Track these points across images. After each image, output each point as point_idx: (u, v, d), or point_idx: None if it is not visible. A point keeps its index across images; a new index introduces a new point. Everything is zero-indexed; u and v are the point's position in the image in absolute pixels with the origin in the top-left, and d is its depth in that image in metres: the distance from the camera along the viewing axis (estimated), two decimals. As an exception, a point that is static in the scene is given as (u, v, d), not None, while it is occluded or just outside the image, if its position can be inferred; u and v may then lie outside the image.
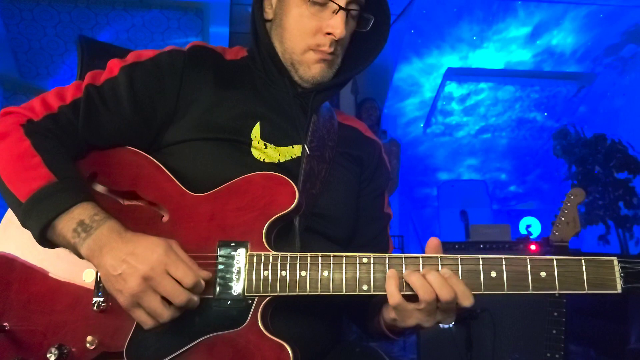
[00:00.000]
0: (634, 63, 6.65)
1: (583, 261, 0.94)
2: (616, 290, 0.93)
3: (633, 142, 5.67)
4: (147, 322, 0.93)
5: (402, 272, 0.96)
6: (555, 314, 2.18)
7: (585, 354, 3.50)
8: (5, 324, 1.01)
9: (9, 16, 5.28)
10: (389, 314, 1.04)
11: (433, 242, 1.00)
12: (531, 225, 6.30)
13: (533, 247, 3.25)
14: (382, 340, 1.17)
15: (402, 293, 0.95)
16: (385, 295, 0.97)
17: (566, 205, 2.24)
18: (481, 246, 3.35)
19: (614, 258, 0.94)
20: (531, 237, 5.78)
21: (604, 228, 5.73)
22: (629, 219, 5.59)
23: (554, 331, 2.17)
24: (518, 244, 3.39)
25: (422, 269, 0.96)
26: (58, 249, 1.00)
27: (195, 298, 0.94)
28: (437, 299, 0.93)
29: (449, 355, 3.00)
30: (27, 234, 0.99)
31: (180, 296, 0.91)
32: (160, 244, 0.94)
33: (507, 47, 6.42)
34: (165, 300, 0.92)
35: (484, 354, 2.97)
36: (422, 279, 0.93)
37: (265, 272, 0.99)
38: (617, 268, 0.93)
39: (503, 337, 2.97)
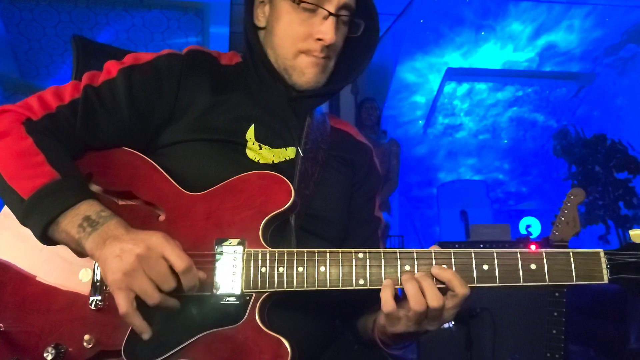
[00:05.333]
0: (634, 63, 6.64)
1: (571, 254, 0.98)
2: (603, 280, 0.97)
3: (633, 142, 5.66)
4: (123, 306, 0.90)
5: (398, 274, 0.99)
6: (555, 314, 2.18)
7: (585, 353, 3.48)
8: (0, 324, 1.01)
9: (9, 16, 5.28)
10: (379, 319, 1.07)
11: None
12: (531, 225, 6.28)
13: (533, 247, 3.23)
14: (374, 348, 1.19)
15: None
16: (379, 296, 0.98)
17: (566, 205, 2.24)
18: (481, 246, 3.33)
19: (600, 250, 0.99)
20: (531, 237, 5.77)
21: (604, 228, 5.72)
22: (629, 219, 5.58)
23: (554, 331, 2.17)
24: (518, 243, 3.39)
25: (417, 264, 0.99)
26: (56, 247, 1.00)
27: (190, 284, 0.94)
28: (427, 306, 0.95)
29: (448, 355, 3.00)
30: (22, 236, 0.98)
31: (169, 282, 0.92)
32: (161, 233, 0.95)
33: (507, 47, 6.42)
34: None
35: (484, 354, 2.96)
36: (417, 289, 0.96)
37: (263, 269, 1.00)
38: (603, 260, 0.98)
39: (503, 337, 2.97)
